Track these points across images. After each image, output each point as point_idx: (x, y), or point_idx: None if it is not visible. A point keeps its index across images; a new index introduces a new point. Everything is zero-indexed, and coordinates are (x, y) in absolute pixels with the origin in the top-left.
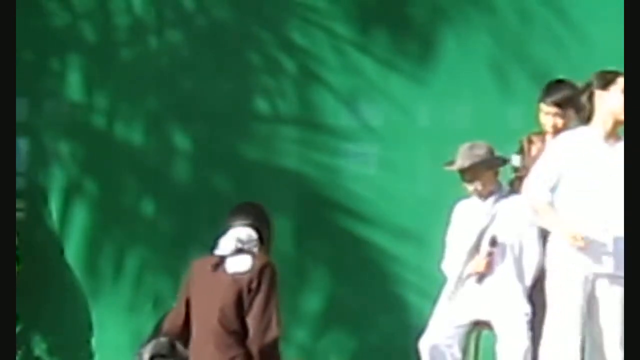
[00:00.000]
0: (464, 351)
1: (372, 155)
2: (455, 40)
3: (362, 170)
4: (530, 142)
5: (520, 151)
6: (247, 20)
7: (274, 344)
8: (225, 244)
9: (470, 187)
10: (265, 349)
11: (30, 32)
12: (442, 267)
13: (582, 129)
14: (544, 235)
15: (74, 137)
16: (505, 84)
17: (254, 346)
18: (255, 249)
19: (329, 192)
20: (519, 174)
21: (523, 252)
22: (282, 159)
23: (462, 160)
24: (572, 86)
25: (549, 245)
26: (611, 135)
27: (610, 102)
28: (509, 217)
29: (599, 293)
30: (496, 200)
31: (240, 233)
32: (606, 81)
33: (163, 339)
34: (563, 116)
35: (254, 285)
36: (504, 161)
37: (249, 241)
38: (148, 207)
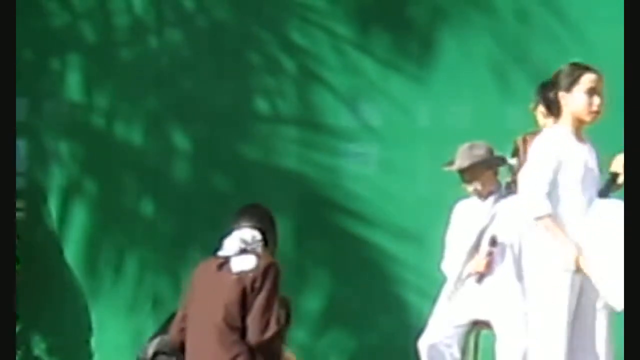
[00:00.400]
0: (463, 351)
1: (372, 155)
2: (455, 41)
3: (362, 170)
4: (525, 142)
5: (515, 151)
6: (247, 20)
7: (272, 341)
8: (230, 245)
9: (469, 187)
10: (263, 346)
11: (30, 32)
12: (442, 267)
13: (555, 128)
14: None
15: (73, 137)
16: (505, 84)
17: (252, 343)
18: (260, 250)
19: (329, 192)
20: (515, 177)
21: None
22: (282, 159)
23: (461, 160)
24: None
25: (535, 242)
26: (577, 135)
27: (573, 105)
28: (508, 217)
29: (586, 289)
30: (496, 200)
31: (244, 234)
32: (569, 82)
33: (168, 337)
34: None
35: (257, 284)
36: (504, 161)
37: (253, 242)
38: (148, 207)
